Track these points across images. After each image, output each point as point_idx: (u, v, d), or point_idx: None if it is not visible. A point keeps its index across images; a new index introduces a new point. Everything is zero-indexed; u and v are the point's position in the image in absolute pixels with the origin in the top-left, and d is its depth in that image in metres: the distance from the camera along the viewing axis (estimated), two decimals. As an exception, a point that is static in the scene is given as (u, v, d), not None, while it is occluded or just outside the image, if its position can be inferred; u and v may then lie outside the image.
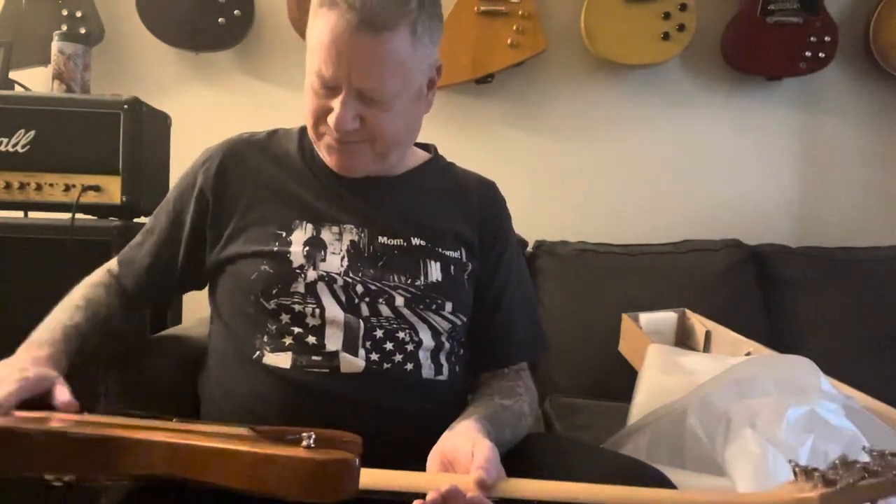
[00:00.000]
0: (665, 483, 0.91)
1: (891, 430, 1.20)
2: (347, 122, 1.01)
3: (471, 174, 1.24)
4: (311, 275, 1.04)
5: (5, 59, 1.78)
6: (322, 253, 1.05)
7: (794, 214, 2.43)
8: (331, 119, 1.01)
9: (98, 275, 1.19)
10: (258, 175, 1.12)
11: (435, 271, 1.08)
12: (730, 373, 1.27)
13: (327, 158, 1.08)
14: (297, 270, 1.04)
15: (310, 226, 1.07)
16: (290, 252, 1.05)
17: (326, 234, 1.07)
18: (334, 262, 1.05)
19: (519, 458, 0.99)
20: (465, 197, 1.18)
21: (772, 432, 1.13)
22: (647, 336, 1.72)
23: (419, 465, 1.03)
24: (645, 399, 1.45)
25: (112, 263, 1.21)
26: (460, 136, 2.36)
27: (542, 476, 0.93)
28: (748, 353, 1.53)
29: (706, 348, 1.71)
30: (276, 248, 1.05)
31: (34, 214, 1.59)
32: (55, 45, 1.77)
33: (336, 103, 1.01)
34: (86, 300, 1.12)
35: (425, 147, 1.24)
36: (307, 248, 1.05)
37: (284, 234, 1.06)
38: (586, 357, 2.01)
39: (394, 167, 1.14)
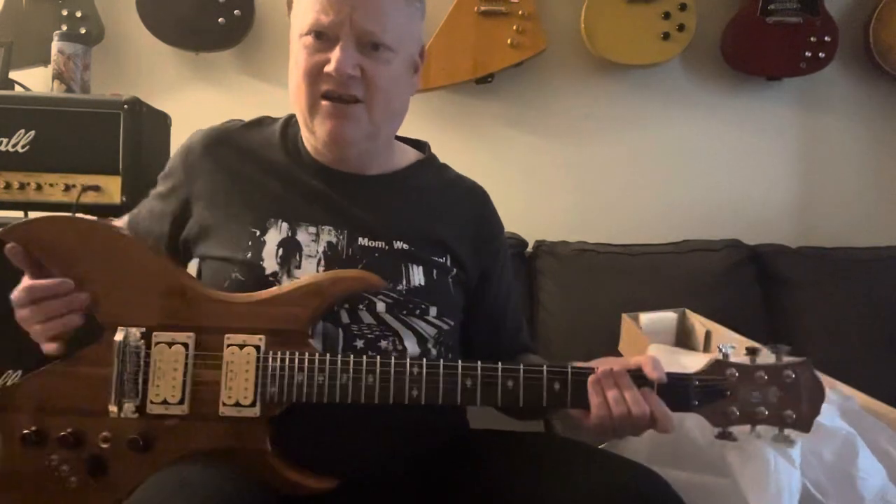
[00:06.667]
0: (662, 485, 0.91)
1: (890, 430, 1.20)
2: (348, 66, 0.98)
3: (464, 179, 1.20)
4: (286, 282, 1.00)
5: (5, 59, 1.79)
6: (297, 257, 1.01)
7: (794, 214, 2.43)
8: (330, 66, 0.98)
9: None
10: (236, 167, 1.09)
11: (417, 275, 1.04)
12: (730, 373, 1.26)
13: (320, 129, 1.02)
14: (271, 279, 1.00)
15: (285, 225, 1.03)
16: (262, 259, 1.01)
17: (302, 235, 1.02)
18: (310, 268, 1.01)
19: (519, 457, 0.99)
20: (457, 203, 1.15)
21: (771, 432, 1.13)
22: (647, 336, 1.71)
23: (408, 478, 1.00)
24: (645, 399, 1.44)
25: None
26: (460, 136, 2.35)
27: (541, 476, 0.93)
28: (748, 354, 1.52)
29: (706, 348, 1.70)
30: (248, 257, 1.01)
31: (34, 214, 1.57)
32: (55, 45, 1.77)
33: (334, 52, 0.98)
34: None
35: (418, 145, 1.20)
36: (281, 249, 1.01)
37: (258, 233, 1.02)
38: (586, 357, 1.99)
39: (380, 161, 1.11)
